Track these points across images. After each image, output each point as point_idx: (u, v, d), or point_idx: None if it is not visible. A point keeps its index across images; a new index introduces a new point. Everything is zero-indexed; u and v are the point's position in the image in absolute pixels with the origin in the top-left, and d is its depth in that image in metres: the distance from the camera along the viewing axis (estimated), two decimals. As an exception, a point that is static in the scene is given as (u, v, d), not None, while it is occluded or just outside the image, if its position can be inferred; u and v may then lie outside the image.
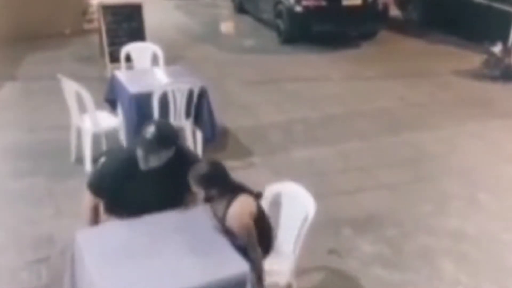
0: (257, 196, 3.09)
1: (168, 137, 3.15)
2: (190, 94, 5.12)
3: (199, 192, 2.99)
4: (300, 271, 3.75)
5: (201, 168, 2.99)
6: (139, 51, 6.39)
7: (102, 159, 3.39)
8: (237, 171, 5.07)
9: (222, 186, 2.99)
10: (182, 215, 3.21)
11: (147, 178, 3.16)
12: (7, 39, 8.49)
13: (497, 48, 8.04)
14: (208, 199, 3.00)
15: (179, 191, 3.27)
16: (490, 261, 4.13)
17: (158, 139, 3.04)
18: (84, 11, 9.69)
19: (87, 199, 3.25)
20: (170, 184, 3.19)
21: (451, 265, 4.06)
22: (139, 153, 3.08)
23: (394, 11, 11.15)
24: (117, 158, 3.36)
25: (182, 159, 3.26)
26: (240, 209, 2.96)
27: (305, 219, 3.18)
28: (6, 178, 5.00)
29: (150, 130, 3.06)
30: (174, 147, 3.16)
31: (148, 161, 3.08)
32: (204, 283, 2.65)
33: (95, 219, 3.25)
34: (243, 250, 2.94)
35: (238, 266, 2.79)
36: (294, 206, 3.32)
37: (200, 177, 2.94)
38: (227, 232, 3.00)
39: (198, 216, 3.19)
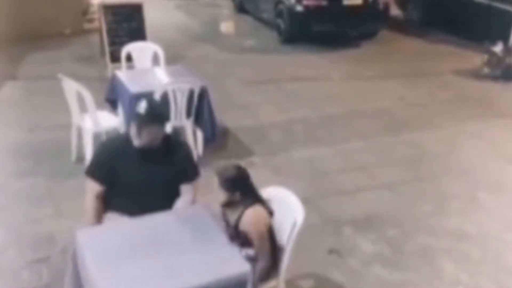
0: (270, 213, 3.12)
1: (159, 112, 3.34)
2: (191, 94, 5.13)
3: (222, 194, 3.02)
4: (300, 271, 3.77)
5: (229, 171, 3.07)
6: (140, 50, 6.39)
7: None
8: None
9: (245, 192, 3.05)
10: (183, 215, 3.22)
11: (141, 159, 3.24)
12: (8, 39, 8.50)
13: (498, 48, 8.05)
14: (228, 203, 3.05)
15: (174, 180, 3.33)
16: (491, 261, 4.13)
17: (149, 113, 3.19)
18: (85, 11, 9.71)
19: (88, 189, 3.30)
20: (163, 169, 3.28)
21: (451, 265, 4.06)
22: (133, 129, 3.21)
23: (395, 11, 11.15)
24: (111, 140, 3.67)
25: (176, 148, 3.39)
26: (257, 215, 3.01)
27: (294, 225, 3.16)
28: (7, 178, 5.01)
29: (142, 105, 3.23)
30: (165, 125, 3.29)
31: (140, 136, 3.18)
32: (205, 283, 2.65)
33: (98, 213, 3.28)
34: (251, 259, 2.96)
35: (238, 266, 2.78)
36: (282, 212, 3.26)
37: (227, 180, 3.01)
38: (239, 237, 3.01)
39: (198, 216, 3.19)
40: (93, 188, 3.29)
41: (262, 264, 2.95)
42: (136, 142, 3.21)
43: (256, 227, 2.97)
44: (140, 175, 3.24)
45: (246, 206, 3.02)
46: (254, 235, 2.96)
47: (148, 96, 4.87)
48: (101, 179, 3.27)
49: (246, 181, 3.08)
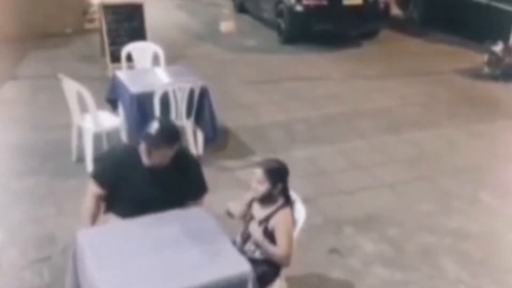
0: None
1: (171, 135, 3.21)
2: (191, 93, 5.13)
3: (263, 186, 3.04)
4: (301, 271, 3.77)
5: (273, 163, 3.16)
6: (140, 50, 6.39)
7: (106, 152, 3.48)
8: (238, 170, 5.12)
9: (285, 187, 3.12)
10: (183, 215, 3.22)
11: (149, 175, 3.20)
12: (9, 38, 8.52)
13: (498, 48, 8.05)
14: (266, 197, 3.08)
15: (180, 194, 3.29)
16: (493, 261, 4.13)
17: (160, 136, 3.11)
18: (85, 10, 9.70)
19: (89, 190, 3.28)
20: (171, 186, 3.23)
21: (453, 264, 4.06)
22: (142, 147, 3.16)
23: (395, 10, 11.15)
24: (121, 149, 3.62)
25: (184, 162, 3.32)
26: (288, 217, 3.08)
27: (296, 224, 3.21)
28: (9, 177, 5.01)
29: (154, 126, 3.15)
30: (176, 147, 3.21)
31: (149, 156, 3.15)
32: (205, 283, 2.66)
33: (93, 216, 3.25)
34: (262, 262, 3.02)
35: (239, 266, 2.79)
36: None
37: (271, 170, 3.07)
38: (265, 233, 3.03)
39: (198, 216, 3.20)
40: (93, 190, 3.26)
41: (281, 251, 2.99)
42: (145, 160, 3.17)
43: (286, 225, 3.03)
44: (146, 188, 3.19)
45: (281, 206, 3.08)
46: (282, 231, 3.00)
47: (150, 98, 4.90)
48: (104, 184, 3.24)
49: (287, 176, 3.15)
